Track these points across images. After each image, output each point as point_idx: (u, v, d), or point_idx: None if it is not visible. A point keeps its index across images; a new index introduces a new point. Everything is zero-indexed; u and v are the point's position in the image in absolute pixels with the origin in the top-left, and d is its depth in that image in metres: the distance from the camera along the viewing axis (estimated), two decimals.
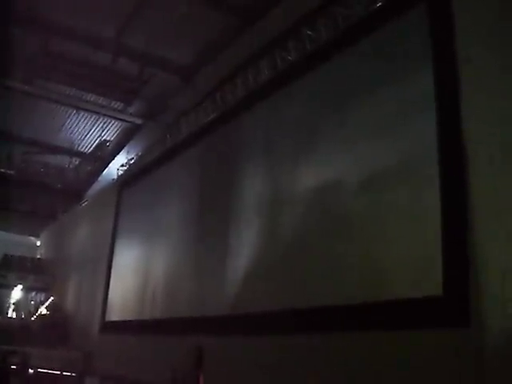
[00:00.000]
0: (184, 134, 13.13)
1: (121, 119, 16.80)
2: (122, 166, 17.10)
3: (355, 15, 7.99)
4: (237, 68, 11.01)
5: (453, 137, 5.90)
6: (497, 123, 5.57)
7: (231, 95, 11.14)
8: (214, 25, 11.54)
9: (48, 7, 11.60)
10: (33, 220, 25.88)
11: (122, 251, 15.36)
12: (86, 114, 16.87)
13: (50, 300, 21.32)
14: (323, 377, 6.82)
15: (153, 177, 14.42)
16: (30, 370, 12.25)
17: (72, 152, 20.16)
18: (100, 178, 20.80)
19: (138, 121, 16.50)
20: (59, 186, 21.81)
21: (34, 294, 23.35)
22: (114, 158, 19.10)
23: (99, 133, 18.34)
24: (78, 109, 16.34)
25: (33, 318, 20.38)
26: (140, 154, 16.07)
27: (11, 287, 22.65)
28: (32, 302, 22.85)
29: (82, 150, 19.91)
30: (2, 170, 20.69)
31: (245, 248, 9.50)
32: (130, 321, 13.62)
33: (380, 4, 7.56)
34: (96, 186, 21.06)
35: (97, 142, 19.05)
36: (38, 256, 27.33)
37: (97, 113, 16.55)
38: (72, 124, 17.83)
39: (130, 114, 16.18)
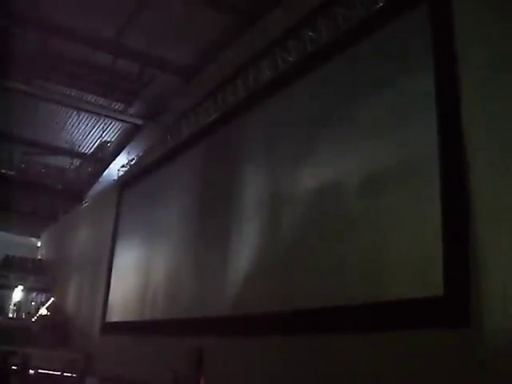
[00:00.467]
0: (184, 135, 13.13)
1: (121, 120, 16.81)
2: (123, 166, 17.10)
3: (356, 16, 7.98)
4: (237, 68, 11.00)
5: (453, 137, 5.89)
6: (497, 123, 5.56)
7: (232, 96, 11.14)
8: (214, 25, 11.53)
9: (48, 8, 11.59)
10: (33, 221, 25.92)
11: (122, 252, 15.34)
12: (86, 115, 16.88)
13: (50, 301, 21.32)
14: (323, 377, 6.82)
15: (153, 178, 14.41)
16: (31, 371, 12.25)
17: (73, 153, 20.16)
18: (100, 179, 20.80)
19: (139, 121, 16.50)
20: (60, 186, 21.82)
21: (34, 294, 23.37)
22: (114, 159, 19.10)
23: (100, 134, 18.35)
24: (79, 110, 16.35)
25: (33, 319, 20.37)
26: (140, 154, 16.07)
27: (12, 288, 22.67)
28: (33, 303, 22.87)
29: (83, 150, 19.91)
30: (3, 171, 20.71)
31: (245, 249, 9.49)
32: (130, 322, 13.61)
33: (381, 4, 7.54)
34: (96, 187, 21.07)
35: (97, 142, 19.05)
36: (39, 257, 27.35)
37: (97, 114, 16.56)
38: (72, 125, 17.83)
39: (131, 114, 16.18)
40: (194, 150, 12.50)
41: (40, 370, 12.60)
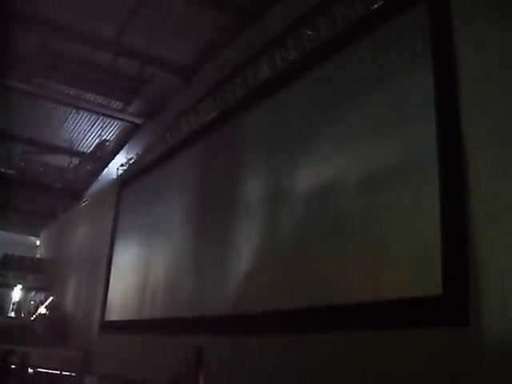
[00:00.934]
0: (184, 134, 13.13)
1: (120, 119, 16.76)
2: (122, 165, 17.08)
3: (355, 14, 7.98)
4: (236, 67, 11.00)
5: (452, 135, 5.90)
6: (496, 122, 5.57)
7: (231, 94, 11.14)
8: (213, 24, 11.51)
9: (48, 6, 11.56)
10: (32, 219, 25.88)
11: (121, 251, 15.35)
12: (85, 114, 16.82)
13: (49, 300, 21.32)
14: (323, 376, 6.83)
15: (153, 176, 14.42)
16: (30, 370, 12.26)
17: (72, 151, 20.11)
18: (100, 178, 20.74)
19: (138, 120, 16.46)
20: (59, 185, 21.75)
21: (33, 293, 23.36)
22: (113, 158, 19.05)
23: (99, 132, 18.30)
24: (78, 108, 16.29)
25: (32, 318, 20.37)
26: (140, 153, 16.06)
27: (11, 287, 22.66)
28: (32, 302, 22.86)
29: (82, 149, 19.86)
30: (2, 170, 20.64)
31: (245, 248, 9.49)
32: (129, 320, 13.62)
33: (381, 3, 7.55)
34: (96, 186, 21.02)
35: (96, 141, 18.99)
36: (38, 256, 27.34)
37: (96, 112, 16.51)
38: (72, 123, 17.78)
39: (130, 113, 16.14)
40: (194, 149, 12.51)
41: (39, 369, 12.61)
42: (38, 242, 29.08)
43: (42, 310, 20.83)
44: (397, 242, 6.38)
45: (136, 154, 16.33)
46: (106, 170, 19.79)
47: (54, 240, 25.72)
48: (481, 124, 5.72)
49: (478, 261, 5.31)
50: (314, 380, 7.03)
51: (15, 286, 22.65)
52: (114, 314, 14.79)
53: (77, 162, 21.26)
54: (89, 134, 18.49)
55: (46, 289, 22.47)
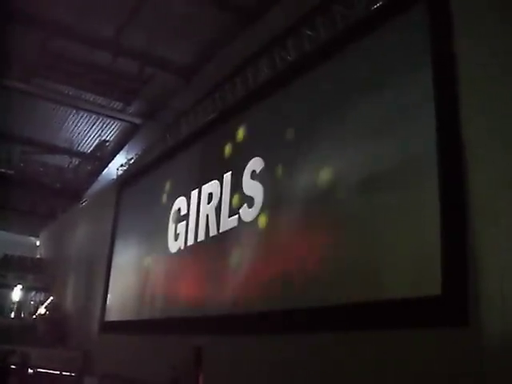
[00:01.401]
0: (184, 134, 13.13)
1: (120, 119, 16.75)
2: (122, 165, 17.09)
3: (354, 14, 7.99)
4: (236, 67, 11.01)
5: (452, 135, 5.90)
6: (496, 121, 5.57)
7: (230, 94, 11.14)
8: (213, 24, 11.50)
9: (47, 6, 11.55)
10: (32, 220, 25.87)
11: (121, 251, 15.35)
12: (85, 114, 16.82)
13: (49, 300, 21.30)
14: (323, 376, 6.83)
15: (152, 176, 14.41)
16: (30, 370, 12.26)
17: (71, 152, 20.10)
18: (99, 178, 20.74)
19: (138, 120, 16.45)
20: (58, 185, 21.74)
21: (33, 293, 23.36)
22: (113, 158, 19.04)
23: (99, 133, 18.29)
24: (78, 108, 16.29)
25: (32, 318, 20.37)
26: (140, 153, 16.06)
27: (11, 287, 22.65)
28: (32, 302, 22.85)
29: (82, 149, 19.85)
30: (2, 170, 20.63)
31: (245, 245, 9.49)
32: (129, 320, 13.62)
33: (380, 3, 7.55)
34: (95, 186, 21.02)
35: (96, 141, 18.98)
36: (38, 256, 27.32)
37: (96, 113, 16.50)
38: (71, 124, 17.77)
39: (130, 113, 16.13)
40: (194, 149, 12.50)
41: (39, 369, 12.61)
42: (37, 242, 29.06)
43: (42, 310, 20.82)
44: (396, 242, 6.38)
45: (136, 155, 16.33)
46: (106, 170, 19.78)
47: (53, 240, 25.70)
48: (480, 123, 5.72)
49: (477, 261, 5.31)
50: (314, 380, 7.03)
51: (15, 286, 22.63)
52: (114, 314, 14.79)
53: (77, 163, 21.25)
54: (89, 134, 18.48)
55: (46, 289, 22.46)
